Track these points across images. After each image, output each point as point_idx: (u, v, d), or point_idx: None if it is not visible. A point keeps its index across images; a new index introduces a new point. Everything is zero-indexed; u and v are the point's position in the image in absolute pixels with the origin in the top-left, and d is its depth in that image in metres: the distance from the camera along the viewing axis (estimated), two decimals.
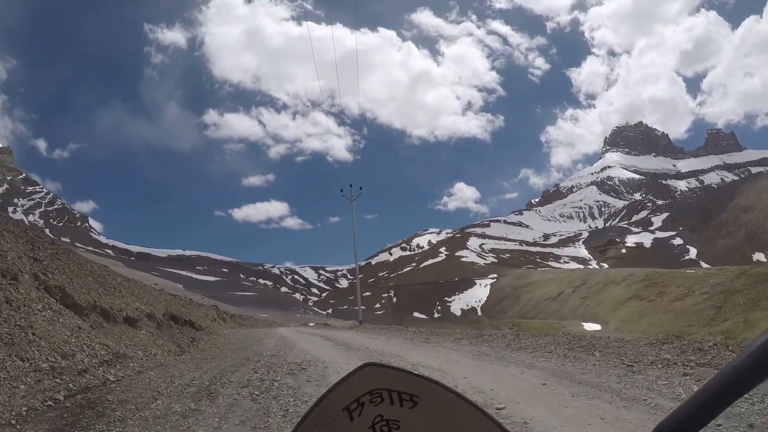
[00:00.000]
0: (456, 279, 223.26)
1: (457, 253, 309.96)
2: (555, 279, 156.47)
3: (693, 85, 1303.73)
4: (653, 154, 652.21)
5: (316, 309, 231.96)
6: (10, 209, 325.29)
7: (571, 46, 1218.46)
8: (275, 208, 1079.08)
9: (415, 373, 1.16)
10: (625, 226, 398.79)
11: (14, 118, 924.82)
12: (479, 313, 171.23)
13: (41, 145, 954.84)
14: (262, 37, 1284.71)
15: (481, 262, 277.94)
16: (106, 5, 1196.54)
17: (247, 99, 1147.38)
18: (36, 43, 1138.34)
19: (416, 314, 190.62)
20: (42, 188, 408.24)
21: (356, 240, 56.45)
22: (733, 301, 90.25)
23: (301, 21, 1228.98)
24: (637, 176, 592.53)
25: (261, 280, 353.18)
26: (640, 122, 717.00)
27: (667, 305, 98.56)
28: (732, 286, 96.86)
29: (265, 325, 76.48)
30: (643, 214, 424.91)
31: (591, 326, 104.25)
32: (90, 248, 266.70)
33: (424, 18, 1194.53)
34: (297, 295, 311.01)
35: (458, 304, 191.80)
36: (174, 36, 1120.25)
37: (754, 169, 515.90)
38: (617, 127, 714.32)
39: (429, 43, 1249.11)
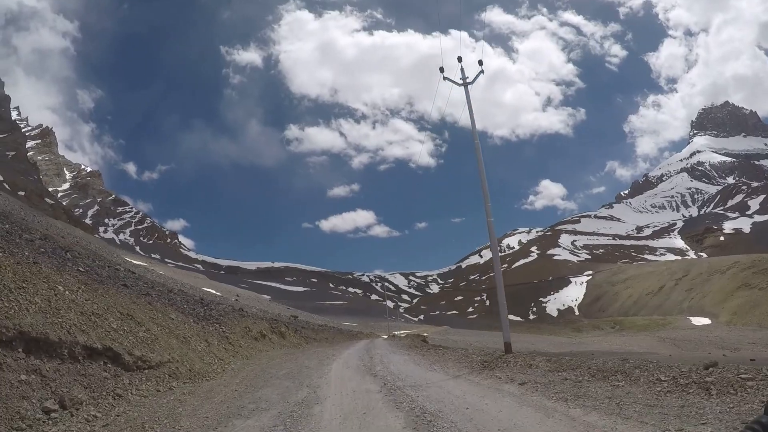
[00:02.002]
0: (550, 278, 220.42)
1: (548, 252, 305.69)
2: (654, 272, 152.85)
3: None
4: (743, 134, 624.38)
5: (407, 315, 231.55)
6: (101, 229, 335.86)
7: (646, 29, 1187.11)
8: (362, 217, 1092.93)
9: None
10: (721, 212, 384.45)
11: (103, 145, 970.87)
12: (576, 313, 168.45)
13: (131, 168, 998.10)
14: (335, 50, 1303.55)
15: (574, 259, 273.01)
16: (182, 32, 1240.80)
17: (326, 112, 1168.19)
18: (119, 72, 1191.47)
19: (511, 317, 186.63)
20: (131, 208, 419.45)
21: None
22: None
23: (372, 31, 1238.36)
24: (728, 159, 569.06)
25: (350, 289, 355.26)
26: (726, 102, 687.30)
27: None
28: None
29: (347, 336, 66.40)
30: (739, 198, 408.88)
31: (699, 320, 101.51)
32: (180, 263, 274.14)
33: (495, 16, 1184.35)
34: (387, 303, 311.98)
35: (554, 304, 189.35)
36: (250, 56, 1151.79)
37: None
38: (703, 109, 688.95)
39: (502, 41, 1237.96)
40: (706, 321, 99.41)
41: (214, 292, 74.71)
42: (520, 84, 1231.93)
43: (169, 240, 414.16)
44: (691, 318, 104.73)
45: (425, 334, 73.71)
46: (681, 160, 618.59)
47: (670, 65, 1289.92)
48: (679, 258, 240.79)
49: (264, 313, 54.02)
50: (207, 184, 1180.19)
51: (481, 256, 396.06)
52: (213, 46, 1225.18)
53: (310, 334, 49.55)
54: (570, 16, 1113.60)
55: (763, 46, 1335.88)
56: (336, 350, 33.27)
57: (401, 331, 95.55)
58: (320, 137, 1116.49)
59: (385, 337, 78.04)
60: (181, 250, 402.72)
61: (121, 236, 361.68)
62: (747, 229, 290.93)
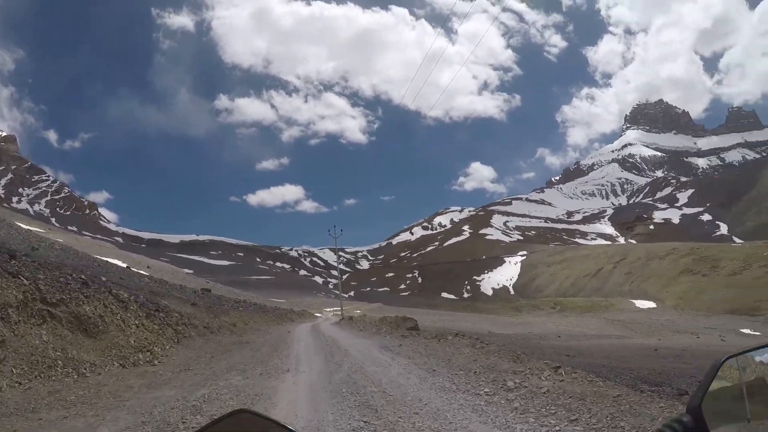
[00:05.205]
0: (484, 257, 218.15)
1: (481, 231, 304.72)
2: (591, 255, 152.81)
3: (711, 64, 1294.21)
4: (674, 131, 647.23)
5: (337, 292, 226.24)
6: (15, 199, 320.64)
7: (587, 23, 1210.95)
8: (290, 191, 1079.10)
9: (291, 428, 1.30)
10: (650, 202, 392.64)
11: (23, 110, 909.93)
12: (512, 292, 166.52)
13: (52, 136, 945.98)
14: (271, 19, 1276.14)
15: (506, 239, 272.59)
16: None
17: (258, 83, 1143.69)
18: (43, 33, 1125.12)
19: (444, 294, 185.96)
20: (48, 177, 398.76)
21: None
22: None
23: (310, 0, 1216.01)
24: (659, 153, 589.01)
25: (278, 264, 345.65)
26: (660, 100, 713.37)
27: (725, 280, 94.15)
28: None
29: (273, 318, 51.97)
30: (668, 190, 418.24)
31: (643, 303, 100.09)
32: (98, 236, 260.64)
33: None
34: (316, 278, 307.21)
35: (489, 282, 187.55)
36: (182, 20, 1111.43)
37: None
38: (638, 104, 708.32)
39: (443, 21, 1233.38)
40: (650, 304, 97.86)
41: (119, 263, 66.68)
42: (457, 66, 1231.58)
43: (88, 212, 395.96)
44: (633, 301, 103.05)
45: (380, 314, 67.40)
46: (613, 151, 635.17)
47: (607, 61, 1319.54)
48: (609, 243, 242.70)
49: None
50: (132, 155, 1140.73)
51: (412, 234, 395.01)
52: (143, 8, 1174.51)
53: (202, 318, 29.14)
54: (513, 2, 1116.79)
55: (699, 51, 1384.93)
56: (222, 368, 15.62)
57: (333, 310, 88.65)
58: (251, 109, 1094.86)
59: (321, 316, 71.43)
60: (101, 222, 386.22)
61: (36, 207, 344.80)
62: (676, 220, 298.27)
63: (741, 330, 62.94)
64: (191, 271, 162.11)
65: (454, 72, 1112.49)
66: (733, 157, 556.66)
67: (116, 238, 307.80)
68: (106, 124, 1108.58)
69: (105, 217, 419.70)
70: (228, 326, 31.48)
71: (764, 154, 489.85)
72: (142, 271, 63.63)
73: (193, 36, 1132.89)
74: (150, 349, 17.81)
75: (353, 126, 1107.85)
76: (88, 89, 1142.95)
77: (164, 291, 37.87)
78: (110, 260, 66.37)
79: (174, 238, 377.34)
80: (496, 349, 17.29)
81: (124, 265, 64.65)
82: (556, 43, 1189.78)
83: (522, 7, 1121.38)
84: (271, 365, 16.15)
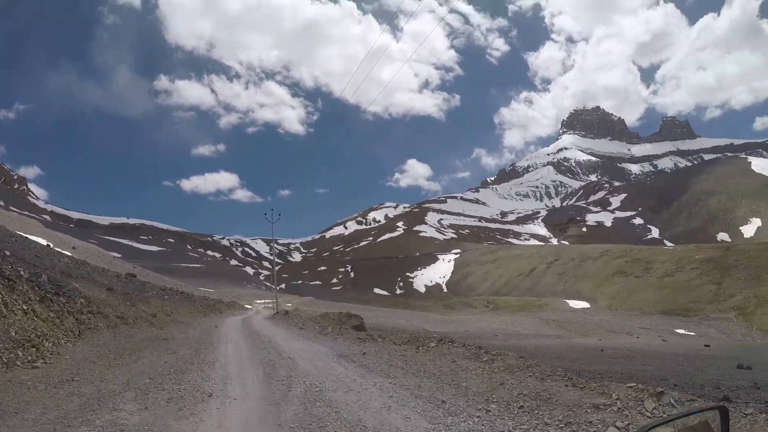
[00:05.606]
0: (417, 254, 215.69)
1: (415, 228, 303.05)
2: (524, 255, 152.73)
3: (647, 75, 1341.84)
4: (609, 137, 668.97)
5: (268, 284, 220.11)
6: None
7: (531, 30, 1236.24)
8: (225, 179, 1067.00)
9: None
10: (584, 205, 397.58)
11: None
12: (445, 290, 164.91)
13: None
14: (218, 2, 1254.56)
15: (440, 237, 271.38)
16: None
17: (200, 66, 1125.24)
18: None
19: (377, 290, 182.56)
20: None
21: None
22: (732, 276, 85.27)
23: None
24: (593, 158, 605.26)
25: (209, 252, 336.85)
26: (597, 107, 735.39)
27: (657, 281, 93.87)
28: (724, 261, 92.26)
29: (199, 310, 45.97)
30: (601, 194, 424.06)
31: (577, 303, 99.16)
32: (25, 213, 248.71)
33: None
34: (247, 269, 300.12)
35: (421, 279, 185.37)
36: None
37: (706, 156, 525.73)
38: (575, 110, 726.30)
39: (389, 17, 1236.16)
40: (584, 304, 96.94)
41: (41, 241, 61.36)
42: (400, 63, 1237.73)
43: (17, 186, 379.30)
44: (567, 301, 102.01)
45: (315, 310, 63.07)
46: (548, 155, 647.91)
47: (547, 66, 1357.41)
48: (542, 244, 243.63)
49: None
50: (67, 130, 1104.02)
51: (346, 228, 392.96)
52: None
53: (116, 307, 25.30)
54: (461, 4, 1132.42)
55: (637, 62, 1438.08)
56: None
57: (264, 302, 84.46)
58: (190, 92, 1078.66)
59: (252, 309, 67.21)
60: (29, 198, 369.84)
61: None
62: (608, 223, 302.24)
63: (676, 330, 61.95)
64: (119, 255, 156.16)
65: (396, 68, 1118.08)
66: (666, 164, 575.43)
67: (44, 216, 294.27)
68: (42, 95, 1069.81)
69: (34, 193, 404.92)
70: (147, 317, 27.29)
71: (695, 162, 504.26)
72: (65, 251, 58.56)
73: (138, 13, 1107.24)
74: (37, 344, 13.70)
75: (292, 116, 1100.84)
76: (26, 57, 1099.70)
77: (79, 273, 33.14)
78: (32, 237, 61.55)
79: (104, 220, 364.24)
80: (518, 365, 11.84)
81: (46, 243, 59.75)
82: (499, 46, 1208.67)
83: (468, 9, 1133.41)
84: (188, 382, 11.61)
